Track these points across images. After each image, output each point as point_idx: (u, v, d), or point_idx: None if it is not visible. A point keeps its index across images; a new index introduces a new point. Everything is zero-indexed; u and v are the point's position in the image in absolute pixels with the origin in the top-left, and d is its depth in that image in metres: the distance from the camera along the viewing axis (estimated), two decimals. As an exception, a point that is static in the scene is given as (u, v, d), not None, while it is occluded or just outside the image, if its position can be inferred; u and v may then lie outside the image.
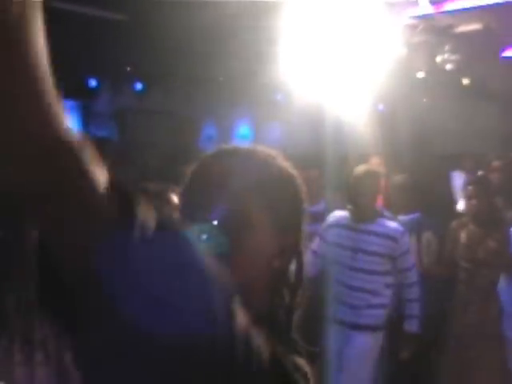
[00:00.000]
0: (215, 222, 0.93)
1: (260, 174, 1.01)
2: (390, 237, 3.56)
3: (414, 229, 4.34)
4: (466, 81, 7.51)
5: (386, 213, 3.90)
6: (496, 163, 5.39)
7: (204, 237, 0.91)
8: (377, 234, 3.57)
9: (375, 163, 5.46)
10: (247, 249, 0.96)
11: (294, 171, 1.07)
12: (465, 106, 8.88)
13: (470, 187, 4.12)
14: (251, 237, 0.96)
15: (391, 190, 5.03)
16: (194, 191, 0.99)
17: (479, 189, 4.11)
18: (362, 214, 3.59)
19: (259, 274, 0.98)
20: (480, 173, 5.12)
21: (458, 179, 5.45)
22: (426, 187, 4.72)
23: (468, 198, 4.11)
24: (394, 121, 8.56)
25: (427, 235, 4.38)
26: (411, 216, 4.45)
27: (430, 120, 8.99)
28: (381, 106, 8.49)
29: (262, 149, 1.06)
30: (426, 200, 4.59)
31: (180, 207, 1.02)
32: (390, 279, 3.63)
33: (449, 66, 5.92)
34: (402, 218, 4.33)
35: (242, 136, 8.83)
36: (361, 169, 3.69)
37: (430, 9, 5.03)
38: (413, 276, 3.67)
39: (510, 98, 7.74)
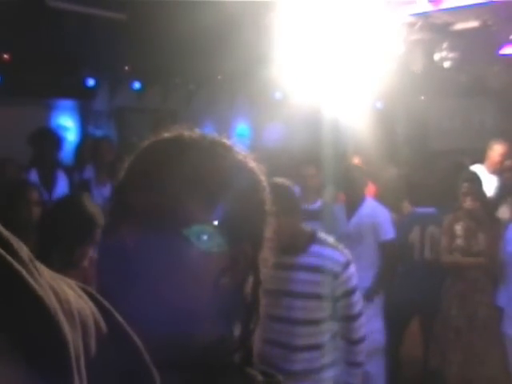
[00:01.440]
0: (215, 223, 0.79)
1: (201, 164, 0.81)
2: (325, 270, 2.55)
3: (419, 223, 4.45)
4: (463, 78, 7.52)
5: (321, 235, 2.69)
6: (509, 162, 5.43)
7: (204, 237, 0.79)
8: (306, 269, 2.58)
9: (357, 163, 5.55)
10: (180, 262, 0.75)
11: (253, 163, 0.88)
12: (463, 104, 8.89)
13: (465, 184, 4.18)
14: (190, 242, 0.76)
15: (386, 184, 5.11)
16: (124, 193, 0.82)
17: (475, 186, 4.19)
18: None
19: (203, 294, 0.77)
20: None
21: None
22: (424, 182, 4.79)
23: (464, 194, 4.17)
24: (392, 118, 8.57)
25: (431, 229, 4.44)
26: (425, 209, 4.52)
27: (427, 117, 9.00)
28: (379, 104, 8.50)
29: (213, 137, 0.90)
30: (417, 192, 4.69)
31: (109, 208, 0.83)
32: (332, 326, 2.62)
33: (447, 64, 5.93)
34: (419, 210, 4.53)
35: (241, 135, 8.83)
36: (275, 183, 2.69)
37: (427, 6, 5.04)
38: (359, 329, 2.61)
39: (507, 95, 7.74)
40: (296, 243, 2.50)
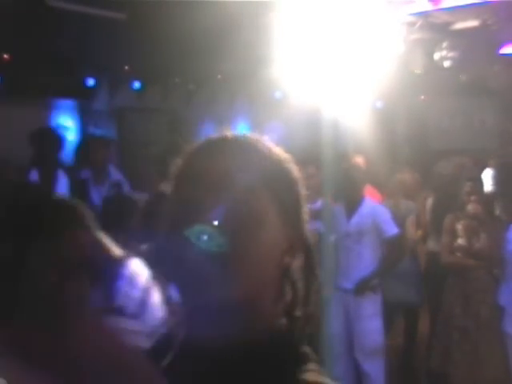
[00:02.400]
0: (215, 223, 0.86)
1: (262, 165, 0.92)
2: None
3: None
4: (463, 78, 7.52)
5: None
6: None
7: (204, 238, 0.86)
8: None
9: (359, 162, 5.57)
10: (259, 248, 0.88)
11: (289, 159, 0.99)
12: (463, 103, 8.89)
13: (469, 183, 4.15)
14: (263, 235, 0.88)
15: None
16: (187, 194, 0.88)
17: (478, 185, 4.17)
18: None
19: (271, 273, 0.90)
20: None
21: None
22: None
23: (467, 193, 4.15)
24: (392, 118, 8.57)
25: None
26: None
27: (427, 117, 9.00)
28: (379, 104, 8.50)
29: (253, 137, 0.99)
30: None
31: (168, 212, 0.90)
32: None
33: (447, 63, 5.93)
34: None
35: (241, 134, 8.83)
36: None
37: (427, 6, 5.04)
38: None
39: (507, 95, 7.75)
40: None
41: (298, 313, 0.93)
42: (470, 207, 4.14)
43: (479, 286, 4.06)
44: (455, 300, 4.13)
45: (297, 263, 0.95)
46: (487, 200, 4.35)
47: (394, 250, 4.24)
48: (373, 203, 4.39)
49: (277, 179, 0.92)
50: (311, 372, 0.87)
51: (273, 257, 0.90)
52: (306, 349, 0.92)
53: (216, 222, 0.86)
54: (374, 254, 4.20)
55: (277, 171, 0.94)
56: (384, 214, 4.29)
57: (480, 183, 4.27)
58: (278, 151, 0.98)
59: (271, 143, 0.99)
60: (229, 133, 0.98)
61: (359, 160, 5.74)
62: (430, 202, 5.11)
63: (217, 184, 0.87)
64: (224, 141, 0.96)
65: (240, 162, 0.91)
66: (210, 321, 0.85)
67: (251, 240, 0.87)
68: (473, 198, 4.16)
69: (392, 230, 4.24)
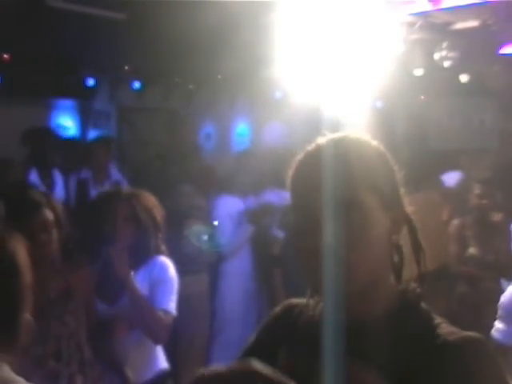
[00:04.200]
0: (215, 223, 0.97)
1: (363, 158, 1.07)
2: None
3: None
4: (463, 78, 7.52)
5: None
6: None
7: (205, 237, 0.94)
8: None
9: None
10: (372, 240, 1.02)
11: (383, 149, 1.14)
12: (462, 103, 8.89)
13: (479, 185, 3.95)
14: (373, 229, 1.02)
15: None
16: (311, 192, 1.04)
17: (489, 188, 3.96)
18: None
19: (385, 253, 1.07)
20: None
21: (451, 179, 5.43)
22: None
23: (478, 196, 3.93)
24: (392, 118, 8.57)
25: None
26: None
27: (427, 117, 9.00)
28: (379, 104, 8.50)
29: (353, 132, 1.15)
30: None
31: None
32: None
33: (447, 63, 5.93)
34: None
35: (241, 135, 8.83)
36: None
37: (427, 6, 5.04)
38: None
39: (507, 95, 7.75)
40: None
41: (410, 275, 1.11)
42: (491, 215, 3.85)
43: (492, 296, 3.88)
44: (466, 311, 3.92)
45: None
46: (499, 204, 4.02)
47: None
48: None
49: (377, 174, 1.07)
50: (442, 324, 1.04)
51: (383, 240, 1.05)
52: (426, 305, 1.08)
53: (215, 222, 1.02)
54: None
55: (376, 166, 1.08)
56: None
57: (492, 186, 3.97)
58: (375, 145, 1.12)
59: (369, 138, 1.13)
60: (327, 137, 1.14)
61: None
62: None
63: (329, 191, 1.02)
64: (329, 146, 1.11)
65: (347, 167, 1.04)
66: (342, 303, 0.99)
67: (365, 235, 1.02)
68: (484, 201, 3.90)
69: None
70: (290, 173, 1.13)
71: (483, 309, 3.80)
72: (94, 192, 5.41)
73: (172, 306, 2.61)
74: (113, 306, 2.64)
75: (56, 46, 5.69)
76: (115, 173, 5.74)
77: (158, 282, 2.62)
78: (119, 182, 5.57)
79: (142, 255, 2.67)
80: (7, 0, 4.56)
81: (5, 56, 5.84)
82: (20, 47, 5.62)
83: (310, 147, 1.15)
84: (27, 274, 1.46)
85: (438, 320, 1.05)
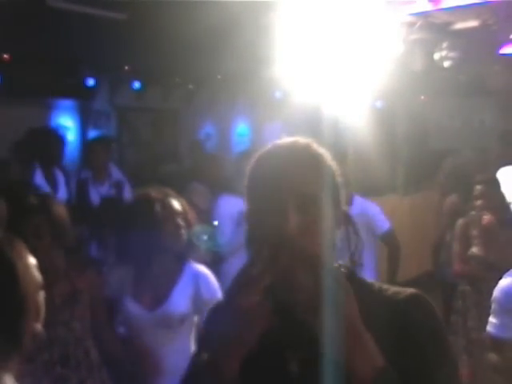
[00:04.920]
0: (216, 223, 1.01)
1: (320, 173, 1.24)
2: None
3: None
4: (463, 78, 7.52)
5: None
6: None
7: (205, 237, 0.95)
8: None
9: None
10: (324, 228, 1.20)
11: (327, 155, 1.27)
12: (462, 103, 8.89)
13: (478, 187, 3.94)
14: (325, 217, 1.18)
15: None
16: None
17: (487, 188, 3.93)
18: None
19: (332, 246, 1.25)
20: None
21: None
22: None
23: (475, 197, 3.92)
24: (392, 118, 8.57)
25: None
26: None
27: (427, 117, 9.00)
28: (379, 104, 8.50)
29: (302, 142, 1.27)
30: None
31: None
32: None
33: (447, 63, 5.93)
34: None
35: (241, 135, 8.83)
36: None
37: (427, 6, 5.04)
38: None
39: (507, 95, 7.75)
40: None
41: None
42: (481, 216, 3.81)
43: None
44: (468, 311, 3.87)
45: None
46: (503, 205, 3.94)
47: (393, 247, 4.18)
48: (362, 200, 4.24)
49: (329, 181, 1.19)
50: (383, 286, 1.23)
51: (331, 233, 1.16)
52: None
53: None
54: (370, 252, 4.14)
55: (328, 172, 1.20)
56: (373, 210, 4.20)
57: (491, 186, 3.92)
58: (322, 152, 1.24)
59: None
60: (289, 140, 1.24)
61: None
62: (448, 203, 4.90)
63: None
64: (289, 148, 1.23)
65: (308, 170, 1.18)
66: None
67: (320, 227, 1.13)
68: (479, 203, 3.87)
69: (385, 225, 4.18)
70: (249, 171, 1.31)
71: (486, 309, 3.75)
72: (93, 192, 5.41)
73: None
74: (152, 312, 2.59)
75: (56, 46, 5.69)
76: (116, 172, 5.74)
77: (207, 299, 2.55)
78: (120, 182, 5.57)
79: (183, 256, 2.67)
80: (7, 0, 4.56)
81: (5, 56, 5.84)
82: (20, 47, 5.62)
83: (263, 150, 1.27)
84: (30, 281, 1.43)
85: (376, 284, 1.23)
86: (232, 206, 4.95)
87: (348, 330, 1.00)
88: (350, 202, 4.11)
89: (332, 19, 4.59)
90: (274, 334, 1.07)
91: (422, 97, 8.80)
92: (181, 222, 2.64)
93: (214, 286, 2.64)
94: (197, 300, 2.59)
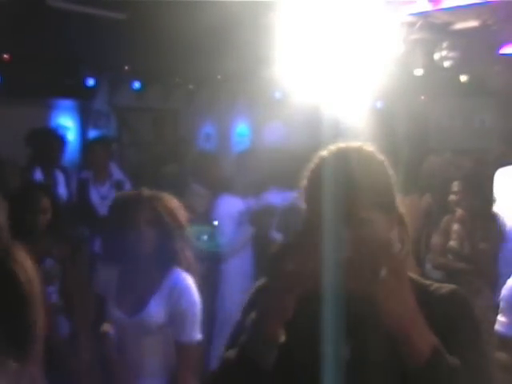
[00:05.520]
0: (216, 223, 1.00)
1: (370, 174, 1.31)
2: None
3: None
4: (463, 78, 7.52)
5: None
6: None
7: (205, 237, 0.95)
8: None
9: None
10: (376, 241, 1.23)
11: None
12: (463, 103, 8.89)
13: (455, 183, 4.09)
14: (377, 234, 1.27)
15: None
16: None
17: (465, 185, 4.07)
18: None
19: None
20: None
21: None
22: None
23: (453, 193, 4.08)
24: (393, 118, 8.57)
25: None
26: None
27: (427, 117, 9.00)
28: (379, 103, 8.50)
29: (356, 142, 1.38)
30: None
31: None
32: None
33: (447, 63, 5.93)
34: None
35: (241, 135, 8.83)
36: None
37: (427, 6, 5.04)
38: None
39: (507, 95, 7.74)
40: None
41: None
42: (456, 203, 4.05)
43: (471, 288, 3.96)
44: None
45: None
46: (485, 200, 4.11)
47: None
48: None
49: (381, 187, 1.27)
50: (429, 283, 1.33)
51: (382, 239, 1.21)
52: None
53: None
54: None
55: (381, 179, 1.28)
56: None
57: (469, 182, 4.09)
58: (377, 155, 1.33)
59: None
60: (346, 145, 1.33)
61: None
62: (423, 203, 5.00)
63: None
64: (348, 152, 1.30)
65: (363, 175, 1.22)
66: None
67: (372, 246, 1.12)
68: (455, 198, 4.05)
69: None
70: (308, 176, 1.31)
71: None
72: (94, 192, 5.41)
73: (197, 333, 2.51)
74: (131, 318, 2.54)
75: (56, 46, 5.69)
76: (117, 172, 5.73)
77: (182, 312, 2.49)
78: (121, 182, 5.57)
79: (167, 261, 2.55)
80: (7, 0, 4.56)
81: (5, 56, 5.84)
82: (20, 47, 5.62)
83: (324, 155, 1.32)
84: (32, 289, 1.41)
85: (425, 281, 1.32)
86: (232, 206, 4.95)
87: (405, 312, 1.08)
88: None
89: (332, 19, 4.59)
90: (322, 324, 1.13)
91: (422, 97, 8.80)
92: (167, 225, 2.52)
93: (191, 297, 2.52)
94: (172, 311, 2.49)
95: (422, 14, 5.25)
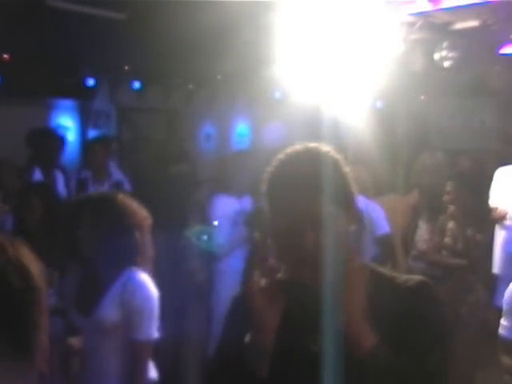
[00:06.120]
0: (215, 223, 1.04)
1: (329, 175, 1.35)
2: None
3: None
4: (464, 78, 7.52)
5: None
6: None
7: (204, 237, 0.98)
8: None
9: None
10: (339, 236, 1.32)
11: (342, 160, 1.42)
12: (463, 103, 8.89)
13: (449, 182, 4.18)
14: (341, 229, 1.34)
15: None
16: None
17: (458, 184, 4.16)
18: None
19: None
20: None
21: None
22: None
23: (446, 192, 4.16)
24: (393, 118, 8.57)
25: None
26: None
27: (427, 117, 9.00)
28: (379, 103, 8.50)
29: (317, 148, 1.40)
30: None
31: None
32: None
33: (447, 63, 5.93)
34: None
35: (241, 135, 8.83)
36: None
37: (427, 6, 5.04)
38: None
39: (507, 95, 7.74)
40: None
41: None
42: (448, 202, 4.12)
43: (464, 285, 4.01)
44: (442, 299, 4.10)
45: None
46: (478, 199, 4.23)
47: (384, 249, 4.22)
48: (365, 200, 4.30)
49: (344, 187, 1.32)
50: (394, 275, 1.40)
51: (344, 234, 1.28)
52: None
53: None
54: (369, 252, 4.17)
55: (337, 177, 1.31)
56: (376, 211, 4.25)
57: (463, 181, 4.20)
58: (335, 155, 1.36)
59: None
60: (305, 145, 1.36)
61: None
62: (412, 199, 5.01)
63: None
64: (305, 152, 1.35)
65: (315, 172, 1.26)
66: None
67: (337, 240, 1.23)
68: (447, 197, 4.13)
69: (384, 228, 4.22)
70: (267, 179, 1.34)
71: (452, 296, 3.91)
72: (93, 191, 5.42)
73: (154, 331, 2.50)
74: (88, 318, 2.55)
75: (56, 46, 5.69)
76: (116, 172, 5.74)
77: (137, 308, 2.48)
78: (120, 182, 5.58)
79: (121, 261, 2.54)
80: (7, 0, 4.56)
81: (5, 56, 5.84)
82: (20, 47, 5.62)
83: (284, 156, 1.35)
84: (35, 294, 1.39)
85: (391, 273, 1.38)
86: (228, 205, 4.95)
87: (351, 314, 1.16)
88: None
89: (332, 19, 4.59)
90: (297, 322, 1.24)
91: (422, 97, 8.80)
92: (117, 226, 2.51)
93: (145, 292, 2.51)
94: (126, 308, 2.49)
95: (422, 14, 5.25)
